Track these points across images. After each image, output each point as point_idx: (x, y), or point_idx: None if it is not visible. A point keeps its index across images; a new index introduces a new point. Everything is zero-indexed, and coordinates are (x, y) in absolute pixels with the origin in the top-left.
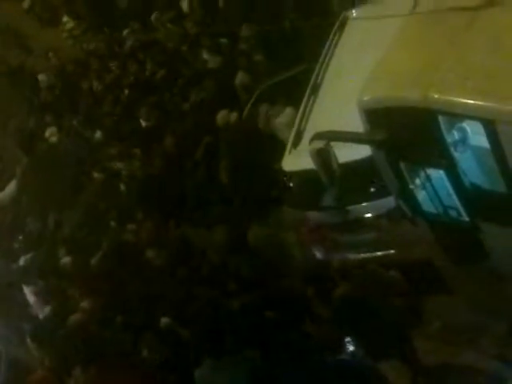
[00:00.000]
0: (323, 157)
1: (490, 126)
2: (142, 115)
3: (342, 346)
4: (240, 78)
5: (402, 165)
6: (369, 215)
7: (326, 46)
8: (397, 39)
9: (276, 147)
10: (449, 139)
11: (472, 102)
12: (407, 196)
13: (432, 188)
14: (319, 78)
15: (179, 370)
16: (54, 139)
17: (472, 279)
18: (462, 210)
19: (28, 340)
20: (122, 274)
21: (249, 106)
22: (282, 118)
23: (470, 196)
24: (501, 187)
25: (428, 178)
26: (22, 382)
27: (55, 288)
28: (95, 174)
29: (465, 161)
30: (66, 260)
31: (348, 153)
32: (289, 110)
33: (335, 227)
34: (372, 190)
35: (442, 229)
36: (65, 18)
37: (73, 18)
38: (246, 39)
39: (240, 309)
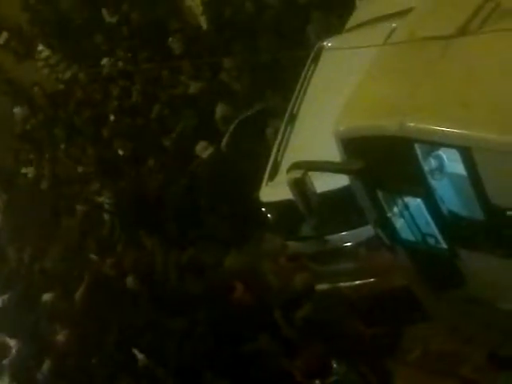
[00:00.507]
0: (300, 186)
1: (467, 154)
2: (119, 145)
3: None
4: (220, 110)
5: (380, 193)
6: (348, 244)
7: (302, 77)
8: (372, 68)
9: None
10: (426, 167)
11: (448, 129)
12: (385, 224)
13: (410, 216)
14: (295, 108)
15: None
16: (31, 175)
17: (451, 306)
18: (440, 237)
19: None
20: (102, 306)
21: (227, 136)
22: None
23: (448, 223)
24: (478, 214)
25: (406, 205)
26: None
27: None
28: (78, 207)
29: (442, 188)
30: (47, 297)
31: (325, 182)
32: None
33: (314, 257)
34: (350, 219)
35: (420, 256)
36: (40, 47)
37: (47, 46)
38: (228, 70)
39: (215, 342)
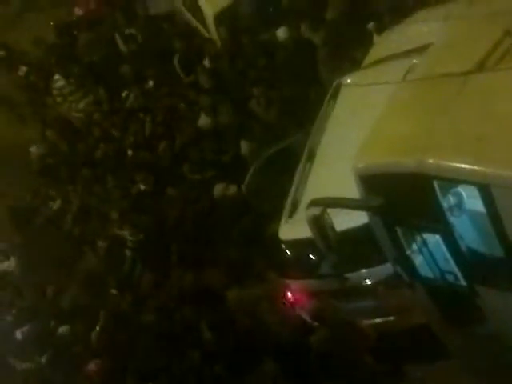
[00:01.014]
0: (320, 223)
1: (485, 191)
2: (141, 179)
3: None
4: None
5: (399, 230)
6: (367, 282)
7: (320, 114)
8: (390, 106)
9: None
10: (444, 204)
11: (466, 166)
12: (404, 261)
13: (429, 253)
14: (314, 144)
15: None
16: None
17: (470, 344)
18: (459, 274)
19: None
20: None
21: (248, 178)
22: None
23: (467, 260)
24: (497, 251)
25: (425, 242)
26: None
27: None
28: (100, 243)
29: (461, 225)
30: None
31: (345, 220)
32: None
33: (334, 294)
34: (369, 256)
35: (439, 293)
36: (56, 76)
37: (64, 76)
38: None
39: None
